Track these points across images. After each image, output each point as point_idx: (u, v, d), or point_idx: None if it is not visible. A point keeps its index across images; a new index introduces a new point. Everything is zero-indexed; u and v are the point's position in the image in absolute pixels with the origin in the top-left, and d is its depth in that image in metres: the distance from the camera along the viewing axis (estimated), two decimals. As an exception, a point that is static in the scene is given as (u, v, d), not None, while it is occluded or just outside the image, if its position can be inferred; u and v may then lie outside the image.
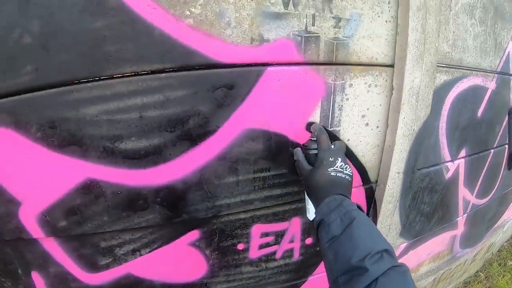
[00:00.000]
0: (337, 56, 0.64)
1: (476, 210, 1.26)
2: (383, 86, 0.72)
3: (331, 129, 0.70)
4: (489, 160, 1.17)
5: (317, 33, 0.61)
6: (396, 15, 0.69)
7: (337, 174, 0.57)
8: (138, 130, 0.56)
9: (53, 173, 0.58)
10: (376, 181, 0.82)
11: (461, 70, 0.90)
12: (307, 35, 0.60)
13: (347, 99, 0.69)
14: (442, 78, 0.84)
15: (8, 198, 0.59)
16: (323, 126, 0.67)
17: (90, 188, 0.59)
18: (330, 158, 0.58)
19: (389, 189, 0.81)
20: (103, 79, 0.54)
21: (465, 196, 1.15)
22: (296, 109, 0.63)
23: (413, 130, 0.76)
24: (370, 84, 0.70)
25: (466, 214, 1.22)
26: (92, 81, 0.54)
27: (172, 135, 0.58)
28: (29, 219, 0.62)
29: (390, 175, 0.78)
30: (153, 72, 0.54)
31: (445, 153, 0.95)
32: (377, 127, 0.75)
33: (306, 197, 0.63)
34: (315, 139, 0.62)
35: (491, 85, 1.03)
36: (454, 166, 1.01)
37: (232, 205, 0.68)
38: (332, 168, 0.57)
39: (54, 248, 0.66)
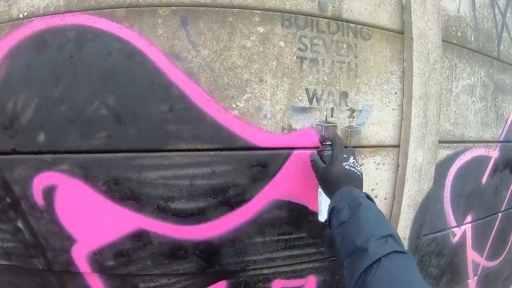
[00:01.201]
0: (351, 141, 0.76)
1: (488, 272, 1.26)
2: (390, 164, 0.83)
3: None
4: (497, 223, 1.19)
5: (335, 123, 0.74)
6: (402, 103, 0.81)
7: (350, 168, 0.61)
8: (187, 194, 0.69)
9: (111, 220, 0.70)
10: (385, 245, 0.90)
11: (463, 144, 0.97)
12: (326, 124, 0.74)
13: (359, 175, 0.80)
14: (444, 153, 0.92)
15: (65, 235, 0.71)
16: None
17: (140, 237, 0.71)
18: (344, 155, 0.63)
19: (397, 252, 0.88)
20: (163, 151, 0.67)
21: (474, 258, 1.16)
22: (315, 185, 0.73)
23: (417, 201, 0.85)
24: (379, 163, 0.81)
25: (476, 277, 1.22)
26: (154, 151, 0.67)
27: (215, 201, 0.70)
28: (81, 255, 0.73)
29: (397, 240, 0.86)
30: (204, 150, 0.68)
31: (451, 220, 0.99)
32: (385, 198, 0.84)
33: (319, 198, 0.68)
34: (329, 143, 0.68)
35: (494, 154, 1.08)
36: (461, 231, 1.04)
37: (258, 261, 0.77)
38: (345, 163, 0.62)
39: (96, 283, 0.75)
